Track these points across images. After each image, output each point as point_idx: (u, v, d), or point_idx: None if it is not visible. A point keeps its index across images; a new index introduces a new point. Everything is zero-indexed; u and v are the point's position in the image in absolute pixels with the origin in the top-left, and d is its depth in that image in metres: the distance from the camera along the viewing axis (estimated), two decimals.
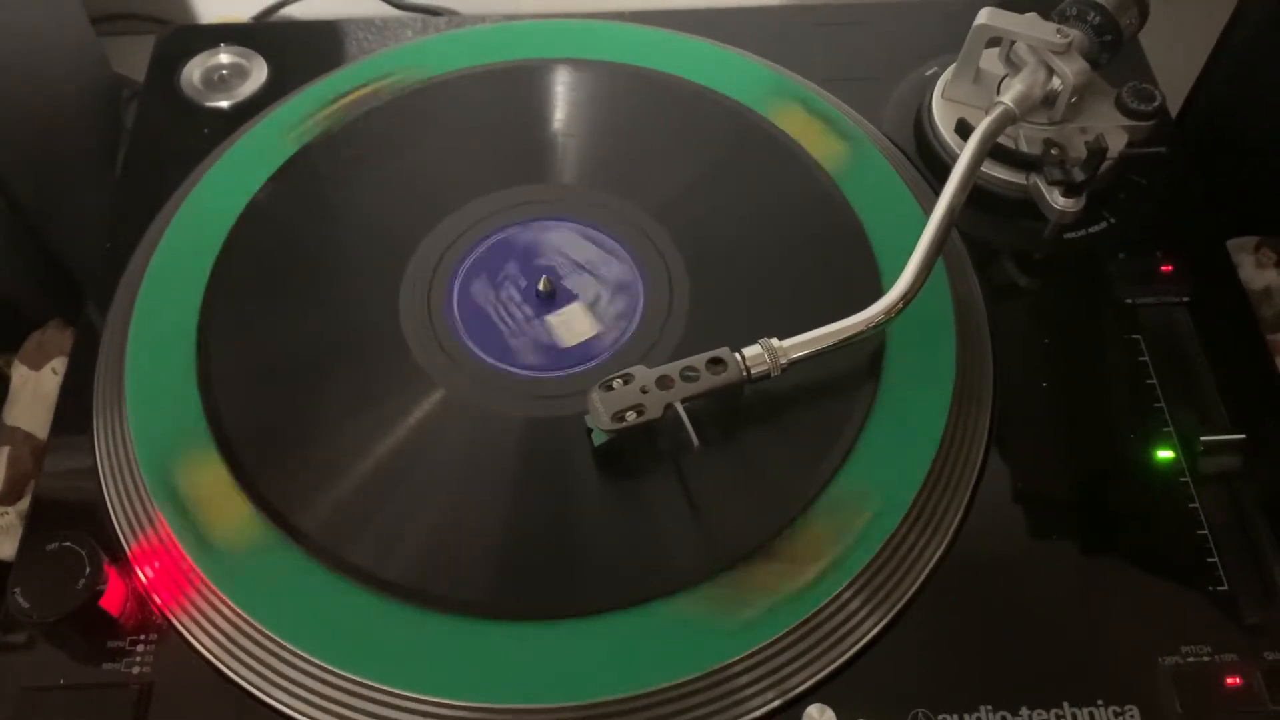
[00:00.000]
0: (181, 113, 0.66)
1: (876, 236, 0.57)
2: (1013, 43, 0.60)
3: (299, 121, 0.63)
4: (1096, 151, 0.57)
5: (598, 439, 0.49)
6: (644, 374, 0.48)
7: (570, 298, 0.56)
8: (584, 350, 0.54)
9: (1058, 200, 0.58)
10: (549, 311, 0.56)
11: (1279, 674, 0.46)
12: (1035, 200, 0.59)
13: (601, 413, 0.47)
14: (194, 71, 0.67)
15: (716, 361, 0.49)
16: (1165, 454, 0.52)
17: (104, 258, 0.59)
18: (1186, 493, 0.51)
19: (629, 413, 0.47)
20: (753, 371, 0.49)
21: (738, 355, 0.49)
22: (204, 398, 0.52)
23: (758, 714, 0.45)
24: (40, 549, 0.47)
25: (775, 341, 0.50)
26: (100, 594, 0.47)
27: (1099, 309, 0.57)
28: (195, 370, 0.53)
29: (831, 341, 0.50)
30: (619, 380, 0.48)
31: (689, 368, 0.48)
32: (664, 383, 0.48)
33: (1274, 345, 0.58)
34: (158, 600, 0.48)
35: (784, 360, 0.49)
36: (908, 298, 0.50)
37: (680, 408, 0.47)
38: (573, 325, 0.55)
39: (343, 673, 0.45)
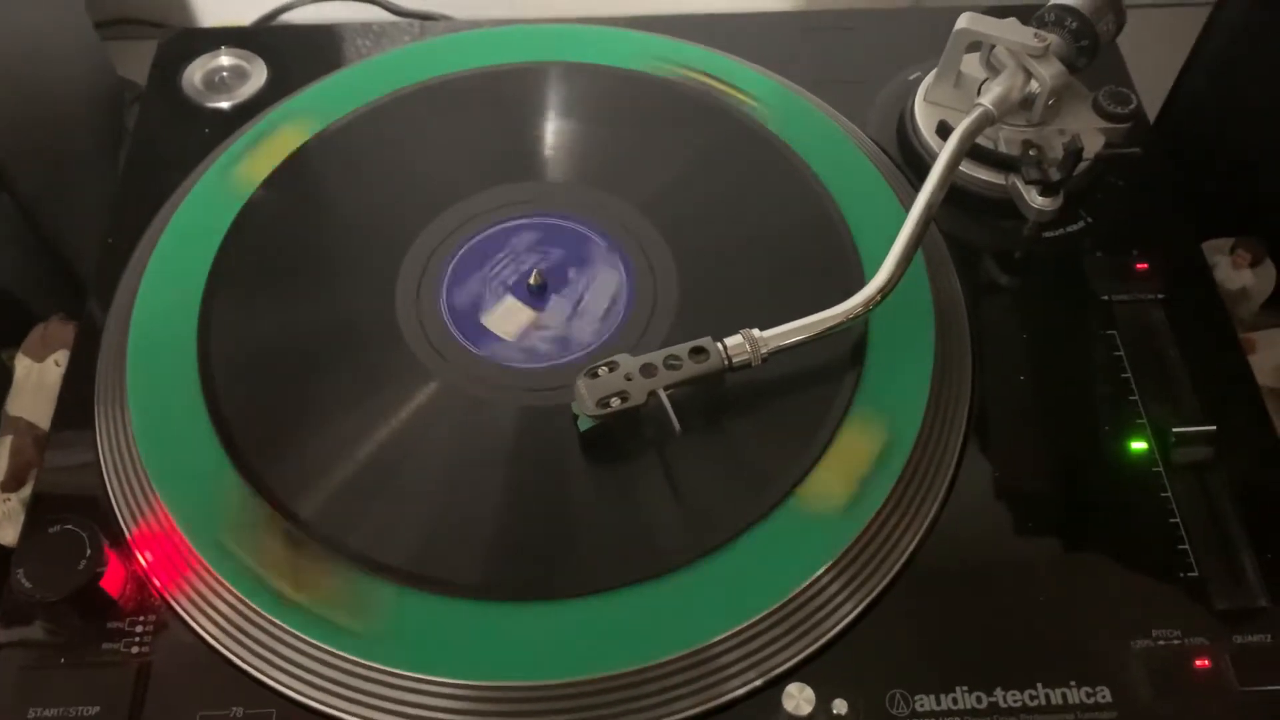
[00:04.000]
0: (183, 113, 0.67)
1: (860, 234, 0.59)
2: (992, 47, 0.62)
3: None
4: (1073, 152, 0.58)
5: (583, 425, 0.51)
6: (628, 362, 0.50)
7: (560, 291, 0.58)
8: (571, 340, 0.56)
9: (1036, 200, 0.59)
10: (538, 303, 0.57)
11: (1247, 657, 0.47)
12: (1014, 200, 0.61)
13: (586, 399, 0.49)
14: (195, 73, 0.68)
15: (699, 350, 0.50)
16: (1139, 445, 0.53)
17: (106, 254, 0.61)
18: (1159, 483, 0.52)
19: (613, 399, 0.49)
20: (734, 360, 0.50)
21: (719, 344, 0.50)
22: (204, 387, 0.54)
23: (740, 693, 0.46)
24: (43, 531, 0.48)
25: (756, 332, 0.51)
26: (101, 575, 0.48)
27: (1076, 305, 0.58)
28: (195, 361, 0.55)
29: (811, 332, 0.51)
30: (604, 367, 0.49)
31: (672, 356, 0.50)
32: (648, 370, 0.49)
33: (1248, 342, 0.60)
34: (157, 583, 0.49)
35: (765, 350, 0.50)
36: (885, 290, 0.52)
37: (663, 395, 0.49)
38: (510, 317, 0.56)
39: (338, 652, 0.46)
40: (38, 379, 0.59)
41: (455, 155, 0.64)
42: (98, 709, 0.46)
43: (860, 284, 0.53)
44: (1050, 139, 0.61)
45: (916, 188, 0.56)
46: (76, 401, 0.55)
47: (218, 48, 0.70)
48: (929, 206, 0.54)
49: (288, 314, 0.58)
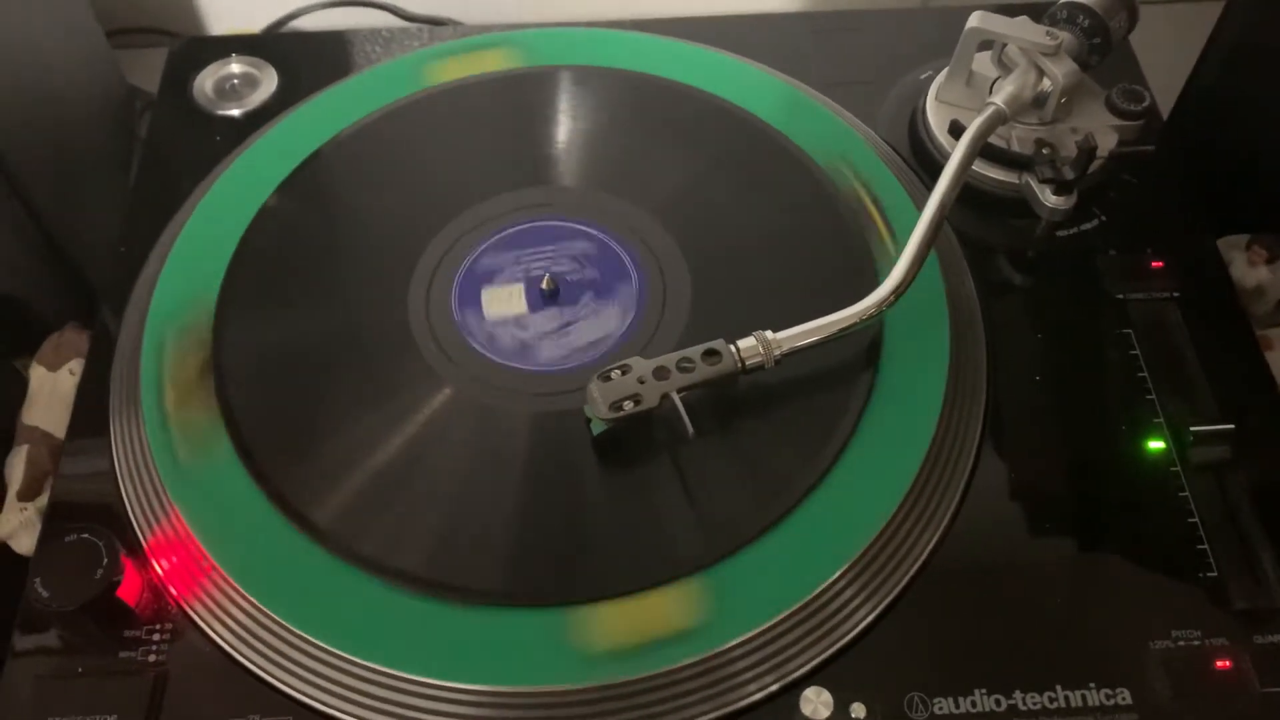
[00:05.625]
0: (194, 121, 0.67)
1: (872, 236, 0.59)
2: (1004, 46, 0.61)
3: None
4: (1086, 150, 0.58)
5: (596, 428, 0.51)
6: (641, 365, 0.49)
7: (573, 296, 0.57)
8: (584, 344, 0.56)
9: (1049, 198, 0.59)
10: (550, 307, 0.57)
11: (1267, 658, 0.47)
12: (1027, 199, 0.60)
13: (599, 402, 0.49)
14: (206, 81, 0.69)
15: (712, 353, 0.50)
16: (1156, 444, 0.53)
17: (119, 262, 0.61)
18: (1177, 482, 0.52)
19: (626, 402, 0.49)
20: (747, 363, 0.50)
21: (732, 347, 0.50)
22: (218, 396, 0.54)
23: (757, 697, 0.46)
24: (59, 541, 0.49)
25: (769, 334, 0.51)
26: (117, 584, 0.48)
27: (1091, 304, 0.58)
28: (210, 370, 0.55)
29: (825, 333, 0.51)
30: (617, 371, 0.49)
31: (685, 359, 0.50)
32: (660, 373, 0.49)
33: (1265, 340, 0.60)
34: (173, 591, 0.49)
35: (778, 352, 0.50)
36: (899, 291, 0.52)
37: (676, 398, 0.49)
38: (504, 301, 0.56)
39: (355, 659, 0.46)
40: (52, 388, 0.59)
41: (466, 161, 0.64)
42: (115, 718, 0.46)
43: (873, 285, 0.53)
44: (1063, 137, 0.60)
45: (929, 188, 0.55)
46: (91, 410, 0.56)
47: (228, 55, 0.70)
48: (942, 206, 0.54)
49: (301, 320, 0.58)
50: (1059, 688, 0.47)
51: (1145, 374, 0.55)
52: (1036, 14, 0.61)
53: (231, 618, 0.48)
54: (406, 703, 0.46)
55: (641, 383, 0.49)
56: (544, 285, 0.57)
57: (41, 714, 0.47)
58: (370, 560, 0.49)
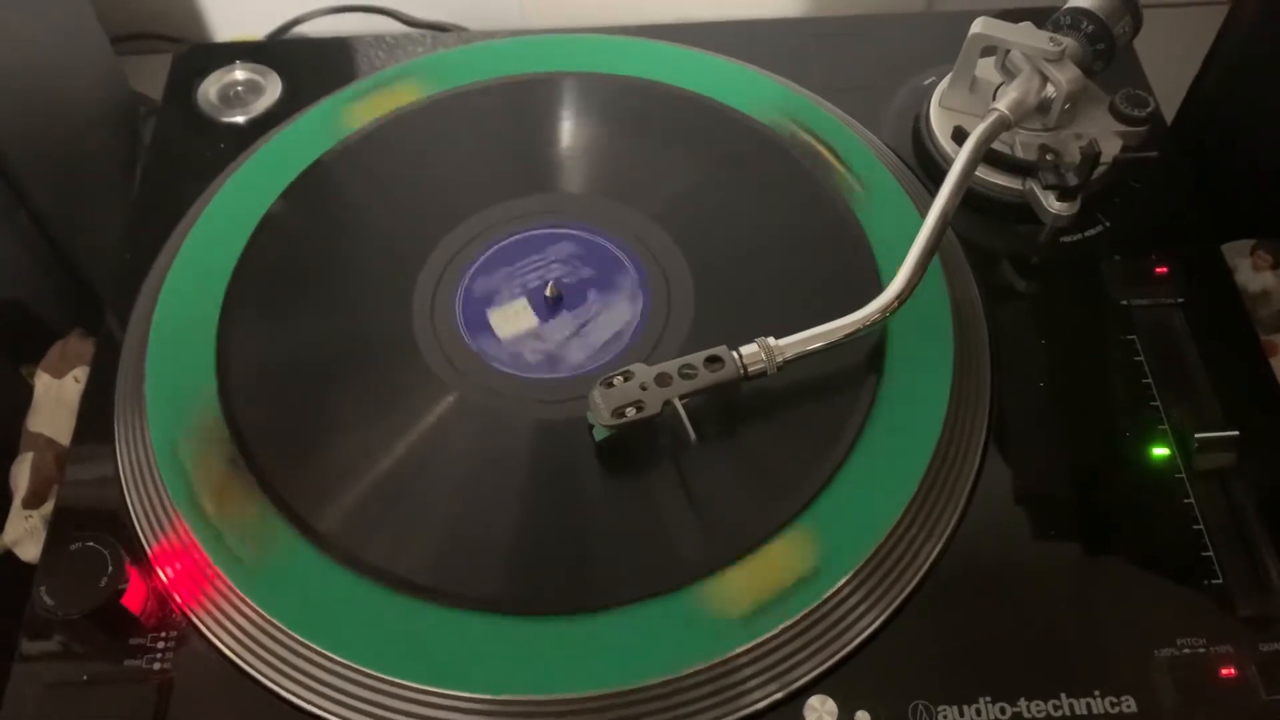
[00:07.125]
0: (198, 128, 0.67)
1: (876, 241, 0.59)
2: (1008, 51, 0.61)
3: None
4: (1090, 156, 0.58)
5: (599, 435, 0.51)
6: (643, 371, 0.49)
7: (576, 302, 0.58)
8: (586, 351, 0.56)
9: (1053, 204, 0.59)
10: (553, 315, 0.57)
11: (1273, 665, 0.47)
12: (1031, 204, 0.60)
13: (602, 409, 0.49)
14: (210, 88, 0.69)
15: (714, 359, 0.50)
16: (1161, 451, 0.53)
17: (123, 269, 0.61)
18: (1182, 489, 0.52)
19: (629, 409, 0.49)
20: (750, 369, 0.50)
21: (735, 353, 0.50)
22: (223, 403, 0.54)
23: (761, 705, 0.46)
24: (64, 549, 0.49)
25: (772, 340, 0.51)
26: (122, 592, 0.48)
27: (1095, 310, 0.58)
28: (214, 376, 0.55)
29: (828, 340, 0.51)
30: (619, 377, 0.49)
31: (687, 365, 0.50)
32: (663, 380, 0.49)
33: (1270, 346, 0.59)
34: (178, 599, 0.49)
35: (780, 358, 0.50)
36: (902, 297, 0.52)
37: (679, 404, 0.49)
38: (513, 319, 0.56)
39: (359, 667, 0.46)
40: (57, 395, 0.59)
41: (469, 168, 0.64)
42: None
43: (877, 291, 0.53)
44: (1067, 143, 0.60)
45: (932, 193, 0.55)
46: (96, 417, 0.56)
47: (232, 62, 0.70)
48: (945, 212, 0.54)
49: (305, 327, 0.58)
50: (1064, 695, 0.47)
51: (1150, 380, 0.55)
52: (1040, 19, 0.61)
53: (236, 625, 0.48)
54: (410, 711, 0.46)
55: (644, 389, 0.49)
56: (548, 292, 0.57)
57: None
58: (375, 567, 0.49)
